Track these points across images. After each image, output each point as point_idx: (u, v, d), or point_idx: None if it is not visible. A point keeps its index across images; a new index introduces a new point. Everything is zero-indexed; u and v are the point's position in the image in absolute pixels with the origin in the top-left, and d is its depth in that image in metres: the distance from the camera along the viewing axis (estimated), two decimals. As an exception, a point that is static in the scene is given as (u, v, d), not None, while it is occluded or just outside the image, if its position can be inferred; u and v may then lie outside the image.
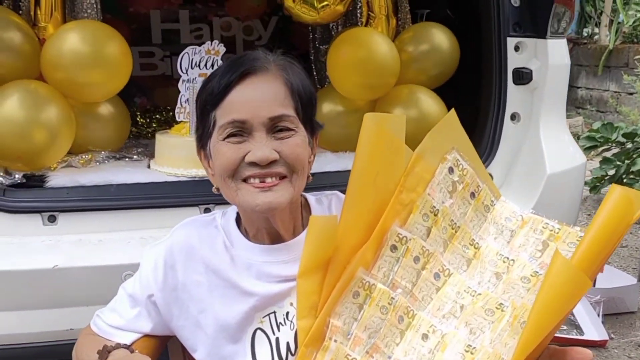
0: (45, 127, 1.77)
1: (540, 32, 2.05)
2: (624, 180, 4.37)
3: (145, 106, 2.99)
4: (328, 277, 0.94)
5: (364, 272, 0.96)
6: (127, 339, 1.13)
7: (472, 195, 1.08)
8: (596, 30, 8.85)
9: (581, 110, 8.39)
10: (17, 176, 1.76)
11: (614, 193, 0.96)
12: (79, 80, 1.84)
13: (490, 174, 2.05)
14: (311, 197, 1.14)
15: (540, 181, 1.97)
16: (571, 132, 7.19)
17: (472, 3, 2.20)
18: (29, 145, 1.75)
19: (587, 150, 4.40)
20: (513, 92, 2.06)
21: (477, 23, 2.15)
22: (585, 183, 4.69)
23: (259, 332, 1.09)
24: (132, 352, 1.05)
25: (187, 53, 1.92)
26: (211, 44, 1.94)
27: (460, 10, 2.44)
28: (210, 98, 1.01)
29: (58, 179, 1.78)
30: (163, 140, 1.95)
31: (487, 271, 1.03)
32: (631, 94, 6.97)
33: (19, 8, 1.99)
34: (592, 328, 2.93)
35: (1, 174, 1.74)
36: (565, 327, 2.97)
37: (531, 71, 2.04)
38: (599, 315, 3.02)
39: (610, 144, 4.31)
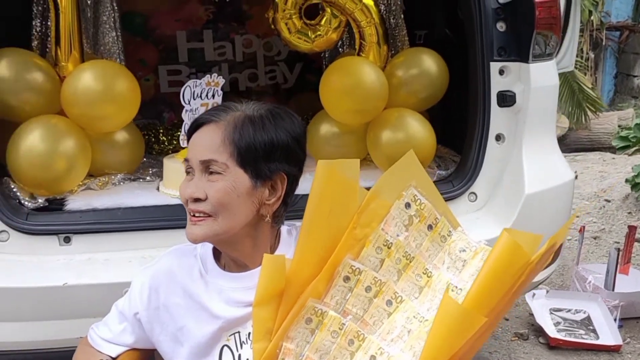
0: (64, 157, 2.02)
1: (523, 56, 2.11)
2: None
3: (173, 120, 3.22)
4: (282, 307, 1.08)
5: (316, 300, 1.10)
6: (114, 351, 1.35)
7: (430, 227, 1.20)
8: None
9: (636, 100, 8.12)
10: (40, 200, 2.01)
11: (502, 239, 1.08)
12: (93, 114, 2.08)
13: (474, 193, 2.17)
14: (284, 228, 1.31)
15: (519, 201, 2.06)
16: (620, 125, 6.93)
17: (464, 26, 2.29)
18: (50, 174, 2.00)
19: (620, 149, 4.36)
20: (498, 114, 2.15)
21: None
22: (626, 180, 4.62)
23: (225, 348, 1.27)
24: None
25: (189, 86, 2.10)
26: (211, 77, 2.13)
27: (458, 32, 2.52)
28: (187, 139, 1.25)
29: (75, 202, 2.02)
30: (169, 165, 2.17)
31: (436, 299, 1.14)
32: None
33: (46, 48, 2.25)
34: (608, 332, 2.96)
35: (27, 198, 2.00)
36: (582, 331, 3.02)
37: (515, 94, 2.12)
38: (615, 319, 3.03)
39: (643, 143, 4.24)
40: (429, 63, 2.32)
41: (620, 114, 7.05)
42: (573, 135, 6.68)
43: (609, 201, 5.00)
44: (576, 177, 5.67)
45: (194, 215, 1.18)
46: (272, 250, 1.27)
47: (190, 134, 1.23)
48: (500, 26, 2.15)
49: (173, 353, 1.30)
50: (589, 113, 6.23)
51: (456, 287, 1.17)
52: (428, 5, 2.67)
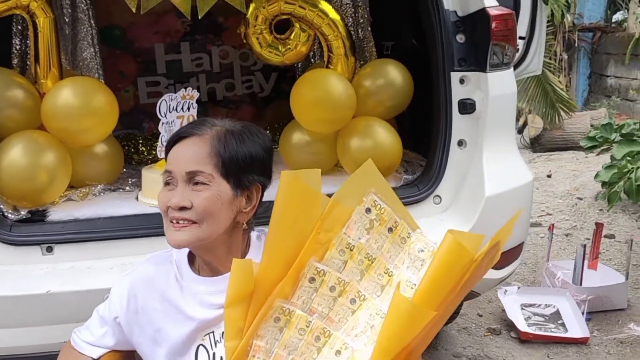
0: (45, 170, 2.11)
1: (481, 66, 2.23)
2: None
3: (153, 130, 3.30)
4: (252, 307, 1.18)
5: (283, 301, 1.19)
6: (96, 352, 1.44)
7: (390, 230, 1.29)
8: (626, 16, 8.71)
9: (609, 100, 8.31)
10: (23, 212, 2.09)
11: (446, 239, 1.18)
12: (72, 128, 2.17)
13: (439, 196, 2.29)
14: (253, 234, 1.40)
15: (479, 203, 2.18)
16: (592, 125, 7.07)
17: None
18: (32, 186, 2.08)
19: (588, 149, 4.50)
20: (459, 121, 2.26)
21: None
22: (596, 176, 4.76)
23: (201, 347, 1.37)
24: None
25: (165, 100, 2.20)
26: (186, 90, 2.23)
27: (424, 42, 2.63)
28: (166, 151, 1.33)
29: (57, 213, 2.11)
30: (147, 176, 2.27)
31: (396, 296, 1.27)
32: (661, 82, 6.89)
33: (25, 66, 2.33)
34: (576, 326, 3.09)
35: (10, 211, 2.08)
36: (551, 325, 3.15)
37: (474, 102, 2.24)
38: (583, 313, 3.14)
39: (609, 144, 4.39)
40: (395, 74, 2.43)
41: (592, 113, 7.22)
42: (547, 135, 6.85)
43: (581, 199, 5.14)
44: (550, 175, 5.82)
45: (177, 222, 1.26)
46: (243, 255, 1.37)
47: (170, 146, 1.31)
48: (460, 38, 2.26)
49: (152, 353, 1.40)
50: (562, 113, 6.38)
51: (415, 284, 1.26)
52: (395, 17, 2.79)
